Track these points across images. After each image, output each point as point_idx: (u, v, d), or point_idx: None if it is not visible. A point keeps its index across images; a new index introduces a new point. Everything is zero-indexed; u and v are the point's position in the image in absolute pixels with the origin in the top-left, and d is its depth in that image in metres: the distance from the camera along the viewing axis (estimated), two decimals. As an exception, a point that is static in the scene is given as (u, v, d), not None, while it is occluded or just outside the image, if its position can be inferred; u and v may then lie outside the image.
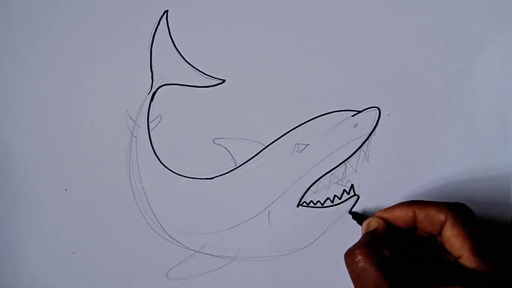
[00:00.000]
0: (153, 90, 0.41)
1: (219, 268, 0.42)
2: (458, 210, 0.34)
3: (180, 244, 0.42)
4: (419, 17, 0.39)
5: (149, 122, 0.41)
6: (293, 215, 0.41)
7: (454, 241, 0.33)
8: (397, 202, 0.37)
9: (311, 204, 0.41)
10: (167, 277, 0.43)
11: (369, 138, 0.40)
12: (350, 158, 0.40)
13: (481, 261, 0.32)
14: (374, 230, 0.36)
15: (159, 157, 0.42)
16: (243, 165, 0.41)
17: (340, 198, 0.41)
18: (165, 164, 0.42)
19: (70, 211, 0.43)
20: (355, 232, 0.40)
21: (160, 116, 0.41)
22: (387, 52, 0.39)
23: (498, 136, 0.39)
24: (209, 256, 0.42)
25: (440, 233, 0.35)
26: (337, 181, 0.41)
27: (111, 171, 0.42)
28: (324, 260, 0.41)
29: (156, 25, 0.41)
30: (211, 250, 0.42)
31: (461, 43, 0.39)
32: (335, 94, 0.40)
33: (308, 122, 0.40)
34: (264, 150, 0.41)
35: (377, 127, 0.40)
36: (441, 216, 0.34)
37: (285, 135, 0.41)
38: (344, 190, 0.41)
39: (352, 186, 0.41)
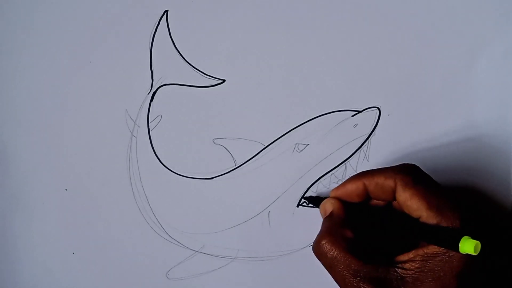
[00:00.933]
0: (153, 90, 0.41)
1: (219, 268, 0.42)
2: (406, 172, 0.34)
3: (180, 244, 0.42)
4: (419, 17, 0.39)
5: (149, 122, 0.41)
6: (293, 215, 0.41)
7: (410, 203, 0.33)
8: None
9: (311, 204, 0.41)
10: (167, 277, 0.43)
11: (369, 138, 0.40)
12: (350, 158, 0.40)
13: (441, 216, 0.31)
14: (331, 214, 0.36)
15: (159, 157, 0.42)
16: (243, 165, 0.41)
17: (340, 198, 0.41)
18: (165, 164, 0.42)
19: (70, 211, 0.43)
20: (355, 232, 0.40)
21: (160, 116, 0.41)
22: (387, 52, 0.39)
23: (498, 136, 0.39)
24: (209, 256, 0.42)
25: (394, 199, 0.34)
26: (337, 181, 0.41)
27: (111, 171, 0.42)
28: (324, 260, 0.41)
29: (156, 25, 0.41)
30: (211, 250, 0.42)
31: (461, 43, 0.39)
32: (335, 94, 0.40)
33: (308, 122, 0.40)
34: (264, 150, 0.41)
35: (377, 127, 0.40)
36: (390, 182, 0.34)
37: (285, 135, 0.41)
38: (344, 190, 0.41)
39: (352, 186, 0.41)
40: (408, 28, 0.39)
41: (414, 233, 0.32)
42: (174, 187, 0.42)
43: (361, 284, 0.32)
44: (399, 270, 0.32)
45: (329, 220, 0.36)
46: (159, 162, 0.42)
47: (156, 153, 0.42)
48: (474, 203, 0.40)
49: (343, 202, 0.36)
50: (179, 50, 0.41)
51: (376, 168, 0.35)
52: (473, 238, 0.30)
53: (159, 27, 0.41)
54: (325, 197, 0.38)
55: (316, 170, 0.41)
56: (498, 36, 0.39)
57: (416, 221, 0.33)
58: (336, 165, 0.41)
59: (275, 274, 0.42)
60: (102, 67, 0.41)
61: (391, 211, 0.36)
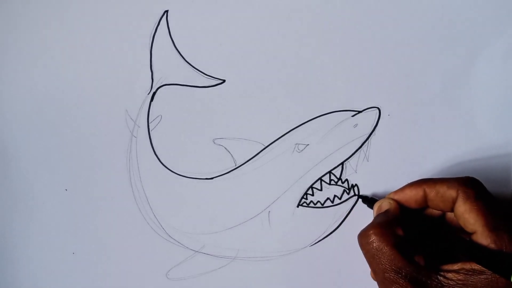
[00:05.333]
0: (153, 90, 0.41)
1: (219, 268, 0.42)
2: (469, 185, 0.33)
3: (180, 244, 0.42)
4: (419, 17, 0.39)
5: (149, 122, 0.41)
6: (293, 215, 0.41)
7: (468, 216, 0.32)
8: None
9: (311, 204, 0.41)
10: (167, 277, 0.43)
11: (369, 138, 0.40)
12: (350, 158, 0.40)
13: (496, 236, 0.31)
14: (387, 211, 0.36)
15: (159, 157, 0.42)
16: (243, 165, 0.41)
17: (340, 198, 0.41)
18: (165, 164, 0.42)
19: (70, 211, 0.43)
20: (355, 232, 0.40)
21: (160, 116, 0.41)
22: (387, 52, 0.39)
23: (498, 136, 0.39)
24: (209, 256, 0.42)
25: (452, 210, 0.34)
26: (337, 181, 0.41)
27: (111, 171, 0.42)
28: (324, 260, 0.41)
29: (156, 25, 0.41)
30: (211, 250, 0.42)
31: (461, 43, 0.39)
32: (335, 94, 0.40)
33: (308, 122, 0.40)
34: (264, 150, 0.41)
35: (377, 127, 0.40)
36: (452, 193, 0.33)
37: (285, 135, 0.41)
38: (344, 190, 0.41)
39: (352, 186, 0.41)
40: (408, 28, 0.39)
41: (466, 251, 0.32)
42: (174, 187, 0.42)
43: (401, 281, 0.32)
44: (441, 278, 0.32)
45: (383, 215, 0.36)
46: (159, 162, 0.42)
47: (156, 153, 0.42)
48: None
49: (399, 205, 0.36)
50: (179, 50, 0.41)
51: (436, 177, 0.35)
52: None
53: (159, 27, 0.41)
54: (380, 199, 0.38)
55: (316, 170, 0.41)
56: (498, 36, 0.39)
57: (469, 239, 0.33)
58: (336, 165, 0.41)
59: (275, 274, 0.42)
60: (102, 67, 0.41)
61: (444, 223, 0.36)
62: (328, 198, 0.41)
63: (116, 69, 0.41)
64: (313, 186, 0.41)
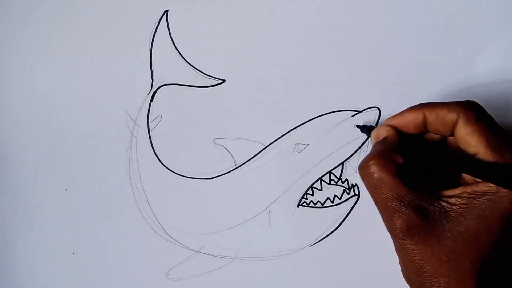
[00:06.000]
0: (153, 90, 0.41)
1: (219, 268, 0.42)
2: (470, 108, 0.33)
3: (180, 244, 0.42)
4: (419, 17, 0.39)
5: (149, 122, 0.41)
6: (293, 215, 0.41)
7: (469, 138, 0.32)
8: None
9: (311, 204, 0.41)
10: (167, 277, 0.43)
11: (369, 138, 0.40)
12: (350, 158, 0.40)
13: (499, 155, 0.31)
14: (385, 139, 0.35)
15: (159, 157, 0.42)
16: (243, 165, 0.41)
17: (340, 198, 0.41)
18: (165, 164, 0.42)
19: (70, 211, 0.43)
20: (355, 232, 0.40)
21: (160, 116, 0.41)
22: (387, 52, 0.39)
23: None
24: (209, 256, 0.42)
25: (452, 134, 0.33)
26: (337, 181, 0.41)
27: (111, 171, 0.42)
28: (324, 260, 0.41)
29: (156, 25, 0.41)
30: (211, 250, 0.42)
31: (461, 43, 0.39)
32: (335, 94, 0.40)
33: (308, 122, 0.40)
34: (264, 150, 0.41)
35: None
36: (452, 116, 0.33)
37: (285, 135, 0.41)
38: (344, 190, 0.41)
39: (352, 186, 0.41)
40: (408, 28, 0.39)
41: (468, 168, 0.31)
42: (174, 187, 0.42)
43: (404, 209, 0.31)
44: (444, 203, 0.31)
45: (381, 143, 0.35)
46: (159, 162, 0.42)
47: (156, 153, 0.42)
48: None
49: (397, 132, 0.35)
50: (179, 50, 0.41)
51: (436, 101, 0.34)
52: None
53: (159, 27, 0.41)
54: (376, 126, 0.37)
55: (316, 170, 0.41)
56: (498, 36, 0.39)
57: (471, 157, 0.32)
58: (336, 165, 0.41)
59: (275, 274, 0.42)
60: (102, 67, 0.41)
61: (445, 146, 0.36)
62: (328, 198, 0.41)
63: (116, 69, 0.41)
64: (313, 186, 0.41)
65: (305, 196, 0.41)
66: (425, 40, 0.39)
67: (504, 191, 0.30)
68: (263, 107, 0.41)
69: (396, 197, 0.32)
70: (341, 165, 0.41)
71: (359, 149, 0.40)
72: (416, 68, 0.39)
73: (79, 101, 0.42)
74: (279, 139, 0.41)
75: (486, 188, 0.31)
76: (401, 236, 0.32)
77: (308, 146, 0.41)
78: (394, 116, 0.36)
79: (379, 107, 0.40)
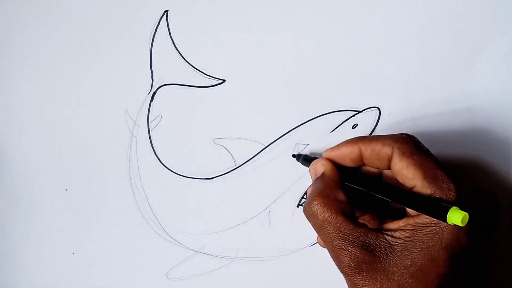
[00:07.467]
0: (153, 90, 0.41)
1: (219, 268, 0.42)
2: (404, 141, 0.33)
3: (180, 244, 0.42)
4: (419, 17, 0.39)
5: (149, 122, 0.41)
6: (293, 215, 0.41)
7: (405, 172, 0.32)
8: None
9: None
10: (167, 277, 0.43)
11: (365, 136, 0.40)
12: (350, 158, 0.40)
13: (436, 186, 0.31)
14: (323, 175, 0.35)
15: (159, 157, 0.42)
16: (243, 165, 0.41)
17: (340, 198, 0.41)
18: (165, 164, 0.42)
19: (70, 211, 0.43)
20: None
21: (160, 116, 0.41)
22: (387, 52, 0.39)
23: (498, 136, 0.39)
24: (209, 256, 0.42)
25: (389, 167, 0.34)
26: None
27: (111, 171, 0.42)
28: (324, 260, 0.41)
29: (156, 25, 0.41)
30: (211, 250, 0.42)
31: (461, 43, 0.39)
32: (335, 94, 0.40)
33: (308, 122, 0.40)
34: (264, 150, 0.41)
35: (377, 127, 0.40)
36: (387, 150, 0.33)
37: (285, 135, 0.41)
38: (344, 190, 0.41)
39: (352, 186, 0.41)
40: (408, 28, 0.39)
41: (405, 201, 0.32)
42: (174, 187, 0.42)
43: (350, 248, 0.31)
44: (389, 238, 0.32)
45: (320, 181, 0.35)
46: (159, 162, 0.42)
47: (156, 153, 0.42)
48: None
49: (335, 165, 0.36)
50: (179, 50, 0.41)
51: (372, 135, 0.35)
52: (463, 210, 0.29)
53: (159, 27, 0.41)
54: (315, 157, 0.37)
55: (316, 170, 0.41)
56: (498, 36, 0.39)
57: (409, 190, 0.32)
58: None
59: (275, 274, 0.42)
60: (102, 67, 0.41)
61: (382, 180, 0.36)
62: (328, 198, 0.41)
63: (116, 69, 0.41)
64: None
65: (305, 196, 0.41)
66: (425, 40, 0.39)
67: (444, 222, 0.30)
68: (263, 107, 0.41)
69: (341, 235, 0.32)
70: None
71: (359, 149, 0.40)
72: (416, 68, 0.39)
73: (79, 101, 0.42)
74: (279, 139, 0.41)
75: (427, 220, 0.31)
76: (350, 273, 0.32)
77: (308, 146, 0.41)
78: (331, 149, 0.36)
79: (379, 107, 0.40)
